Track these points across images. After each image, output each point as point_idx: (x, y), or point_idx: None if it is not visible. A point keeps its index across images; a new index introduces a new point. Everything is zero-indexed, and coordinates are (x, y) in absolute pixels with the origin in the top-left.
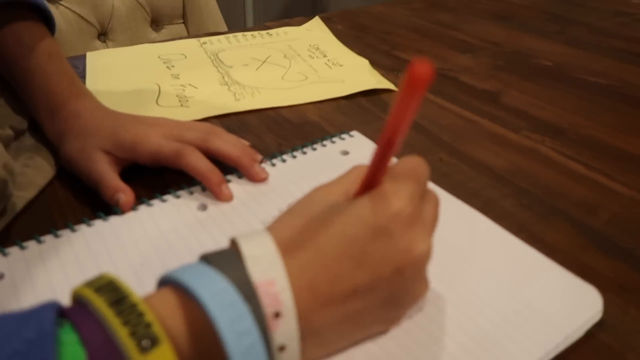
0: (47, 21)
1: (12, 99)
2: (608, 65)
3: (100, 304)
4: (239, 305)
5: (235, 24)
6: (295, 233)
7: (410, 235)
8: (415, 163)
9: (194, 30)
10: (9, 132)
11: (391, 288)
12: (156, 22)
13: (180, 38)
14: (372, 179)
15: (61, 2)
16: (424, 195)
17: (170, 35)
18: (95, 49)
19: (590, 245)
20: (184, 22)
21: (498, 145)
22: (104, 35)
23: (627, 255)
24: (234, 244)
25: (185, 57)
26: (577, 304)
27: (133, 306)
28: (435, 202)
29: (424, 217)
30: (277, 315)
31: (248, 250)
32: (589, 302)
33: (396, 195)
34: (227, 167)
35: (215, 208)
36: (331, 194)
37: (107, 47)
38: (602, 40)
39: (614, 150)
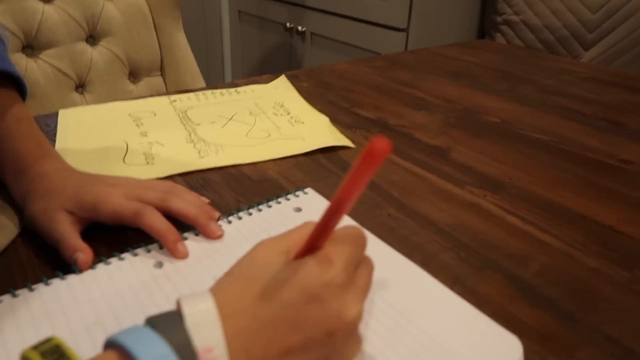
0: (19, 86)
1: None
2: (551, 122)
3: None
4: None
5: (215, 79)
6: (233, 297)
7: (342, 301)
8: (355, 231)
9: (172, 83)
10: None
11: (324, 350)
12: (134, 75)
13: (152, 95)
14: (315, 242)
15: (40, 56)
16: (361, 262)
17: (148, 88)
18: (72, 101)
19: (518, 295)
20: (161, 75)
21: (443, 201)
22: (81, 87)
23: (550, 304)
24: (179, 305)
25: (155, 114)
26: (499, 354)
27: None
28: (370, 268)
29: (357, 283)
30: None
31: (190, 317)
32: (511, 351)
33: (332, 263)
34: (186, 224)
35: (171, 265)
36: (272, 252)
37: (85, 100)
38: (547, 98)
39: (549, 204)
